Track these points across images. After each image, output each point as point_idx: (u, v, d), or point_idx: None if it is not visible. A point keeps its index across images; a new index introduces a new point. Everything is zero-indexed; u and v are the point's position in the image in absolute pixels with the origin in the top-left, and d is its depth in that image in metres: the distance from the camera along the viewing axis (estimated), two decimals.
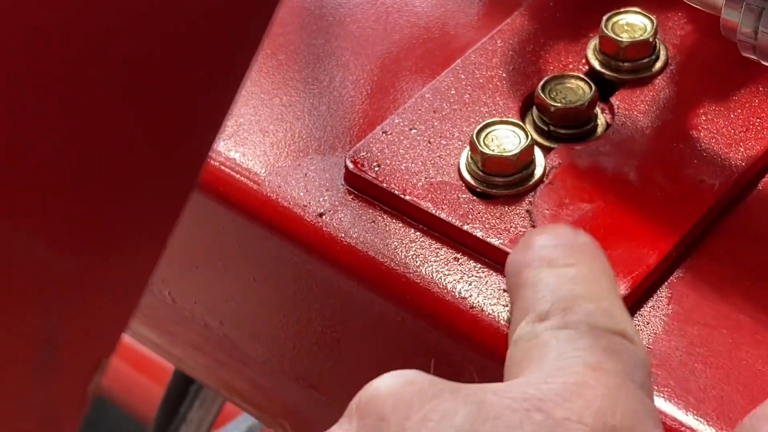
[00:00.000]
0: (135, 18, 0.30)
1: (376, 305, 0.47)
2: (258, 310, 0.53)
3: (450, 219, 0.47)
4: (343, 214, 0.48)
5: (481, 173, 0.48)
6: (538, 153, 0.49)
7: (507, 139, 0.48)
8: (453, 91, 0.51)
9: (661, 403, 0.42)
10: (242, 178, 0.50)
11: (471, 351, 0.45)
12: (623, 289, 0.44)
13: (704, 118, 0.50)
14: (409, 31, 0.55)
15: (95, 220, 0.32)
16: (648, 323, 0.44)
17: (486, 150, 0.47)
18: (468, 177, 0.48)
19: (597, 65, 0.51)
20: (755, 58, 0.45)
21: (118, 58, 0.30)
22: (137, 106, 0.32)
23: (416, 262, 0.47)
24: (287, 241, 0.49)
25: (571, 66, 0.52)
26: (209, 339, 0.57)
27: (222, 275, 0.53)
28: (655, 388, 0.42)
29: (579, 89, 0.50)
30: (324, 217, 0.48)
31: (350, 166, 0.49)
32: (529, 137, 0.48)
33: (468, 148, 0.48)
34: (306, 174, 0.50)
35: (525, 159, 0.48)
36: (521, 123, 0.49)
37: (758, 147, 0.49)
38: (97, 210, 0.32)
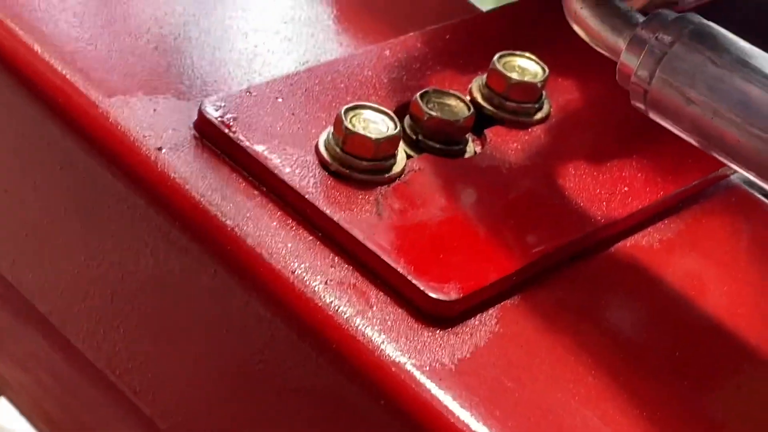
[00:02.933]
0: None
1: (192, 252, 0.43)
2: (57, 251, 0.49)
3: (292, 183, 0.44)
4: (182, 154, 0.45)
5: (339, 151, 0.45)
6: (401, 152, 0.46)
7: (375, 125, 0.45)
8: (329, 78, 0.49)
9: (466, 411, 0.39)
10: (85, 97, 0.46)
11: (282, 318, 0.41)
12: (454, 293, 0.41)
13: (573, 172, 0.48)
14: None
15: None
16: (471, 335, 0.41)
17: (350, 127, 0.45)
18: (324, 152, 0.45)
19: (479, 98, 0.50)
20: (643, 107, 0.44)
21: None
22: None
23: (245, 217, 0.43)
24: (115, 168, 0.45)
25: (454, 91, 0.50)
26: None
27: (30, 201, 0.48)
28: (465, 394, 0.39)
29: (457, 107, 0.48)
30: (162, 151, 0.45)
31: (205, 110, 0.45)
32: (398, 128, 0.45)
33: (332, 126, 0.46)
34: (155, 110, 0.46)
35: (388, 148, 0.45)
36: (394, 115, 0.46)
37: (620, 211, 0.47)
38: None
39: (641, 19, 0.44)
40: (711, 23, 0.43)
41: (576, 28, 0.46)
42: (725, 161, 0.42)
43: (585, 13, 0.45)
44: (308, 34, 0.52)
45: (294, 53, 0.51)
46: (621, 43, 0.44)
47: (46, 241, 0.49)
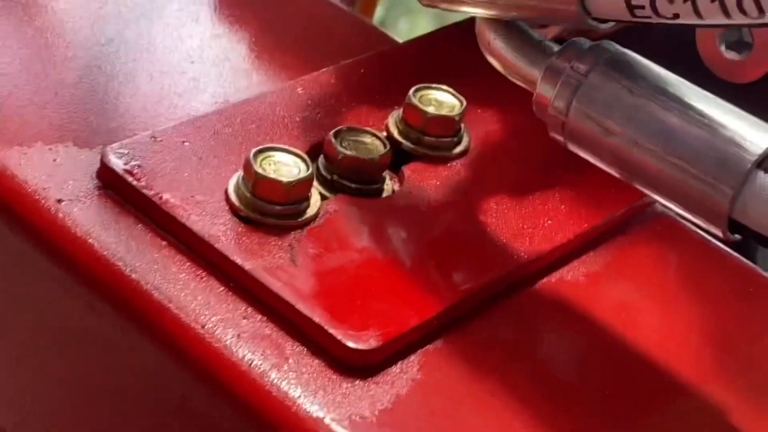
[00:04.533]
0: None
1: (99, 309, 0.41)
2: None
3: (201, 232, 0.42)
4: (84, 206, 0.43)
5: (249, 196, 0.43)
6: (315, 194, 0.44)
7: (286, 168, 0.43)
8: (239, 120, 0.47)
9: None
10: None
11: (195, 375, 0.39)
12: (373, 341, 0.40)
13: (495, 206, 0.46)
14: None
15: None
16: (393, 384, 0.39)
17: (260, 171, 0.43)
18: (234, 198, 0.43)
19: (396, 133, 0.48)
20: (561, 139, 0.43)
21: None
22: None
23: (153, 269, 0.41)
24: (13, 223, 0.43)
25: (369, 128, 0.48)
26: None
27: None
28: None
29: (372, 145, 0.46)
30: (62, 203, 0.43)
31: (107, 158, 0.44)
32: (311, 171, 0.44)
33: (242, 170, 0.44)
34: (55, 160, 0.44)
35: (300, 192, 0.43)
36: (306, 157, 0.44)
37: (544, 246, 0.45)
38: None
39: (556, 48, 0.43)
40: (627, 50, 0.42)
41: (490, 59, 0.44)
42: (647, 192, 0.41)
43: (499, 44, 0.44)
44: (217, 73, 0.50)
45: (202, 94, 0.49)
46: (536, 74, 0.43)
47: None
